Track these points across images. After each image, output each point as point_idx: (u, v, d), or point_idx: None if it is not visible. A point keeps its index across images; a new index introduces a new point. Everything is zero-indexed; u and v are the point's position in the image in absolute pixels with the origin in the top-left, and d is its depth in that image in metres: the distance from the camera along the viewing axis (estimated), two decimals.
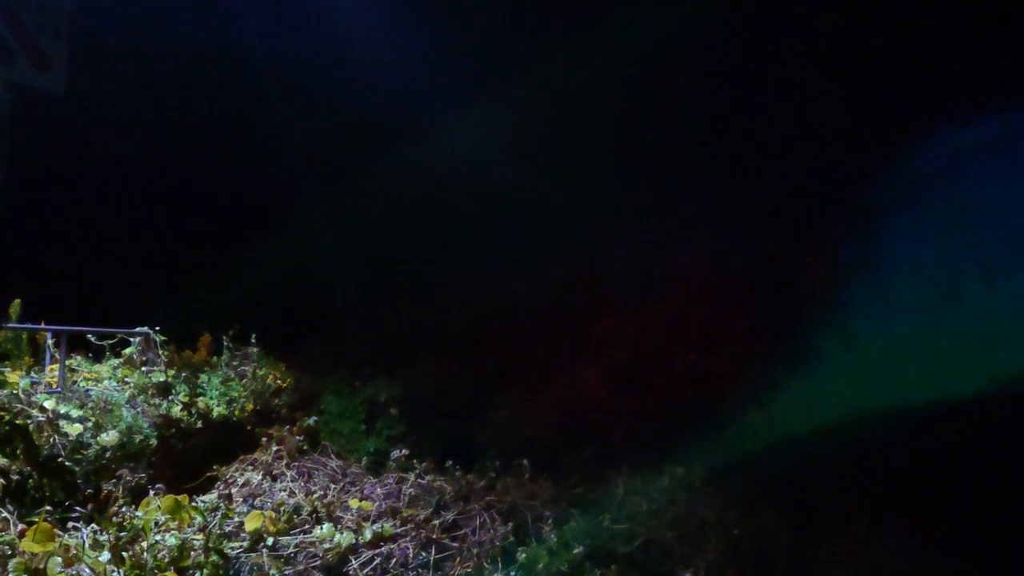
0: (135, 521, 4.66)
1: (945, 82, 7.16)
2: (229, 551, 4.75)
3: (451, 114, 9.12)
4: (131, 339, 6.99)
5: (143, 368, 6.86)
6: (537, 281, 8.57)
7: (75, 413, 5.70)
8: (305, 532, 5.12)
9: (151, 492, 5.07)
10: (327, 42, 9.20)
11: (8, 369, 6.09)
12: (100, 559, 4.27)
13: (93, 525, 4.72)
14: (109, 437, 5.65)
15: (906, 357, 6.49)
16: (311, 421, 7.01)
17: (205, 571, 4.56)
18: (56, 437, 5.41)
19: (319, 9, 9.13)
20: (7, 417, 5.23)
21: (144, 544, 4.49)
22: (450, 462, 6.20)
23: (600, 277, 8.61)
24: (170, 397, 6.54)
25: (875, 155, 7.44)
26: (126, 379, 6.61)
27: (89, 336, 6.85)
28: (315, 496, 5.56)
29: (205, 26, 8.81)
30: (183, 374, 6.88)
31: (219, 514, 5.03)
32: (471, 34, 8.92)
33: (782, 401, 6.68)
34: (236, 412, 6.81)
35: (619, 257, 8.58)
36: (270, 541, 4.91)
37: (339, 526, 5.16)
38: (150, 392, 6.50)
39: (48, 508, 4.84)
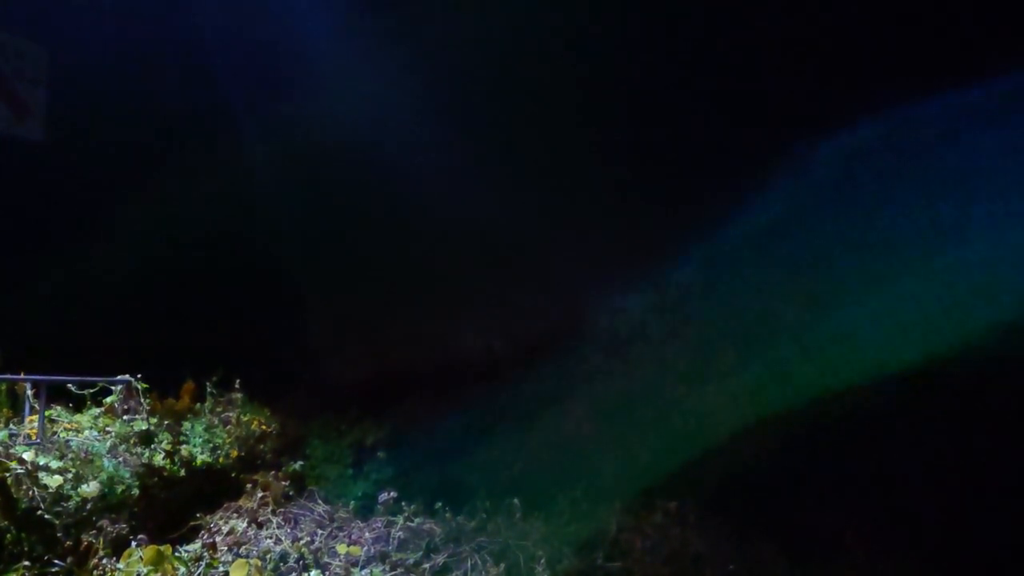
0: (116, 574, 4.54)
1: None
2: None
3: (435, 155, 9.19)
4: (112, 388, 6.87)
5: (125, 417, 6.72)
6: (523, 319, 8.56)
7: (55, 464, 5.56)
8: None
9: (133, 543, 4.96)
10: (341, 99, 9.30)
11: None
12: None
13: None
14: (90, 488, 5.52)
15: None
16: (297, 466, 6.90)
17: None
18: (35, 490, 5.27)
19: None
20: None
21: None
22: (439, 504, 6.11)
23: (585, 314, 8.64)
24: (152, 445, 6.41)
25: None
26: (107, 428, 6.48)
27: (69, 386, 6.73)
28: (302, 542, 5.44)
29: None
30: (166, 422, 6.76)
31: (203, 564, 4.92)
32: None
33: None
34: (220, 459, 6.68)
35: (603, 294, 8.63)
36: None
37: (327, 573, 5.06)
38: (132, 441, 6.37)
39: (26, 563, 4.72)
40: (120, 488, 5.74)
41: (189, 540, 5.72)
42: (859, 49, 7.74)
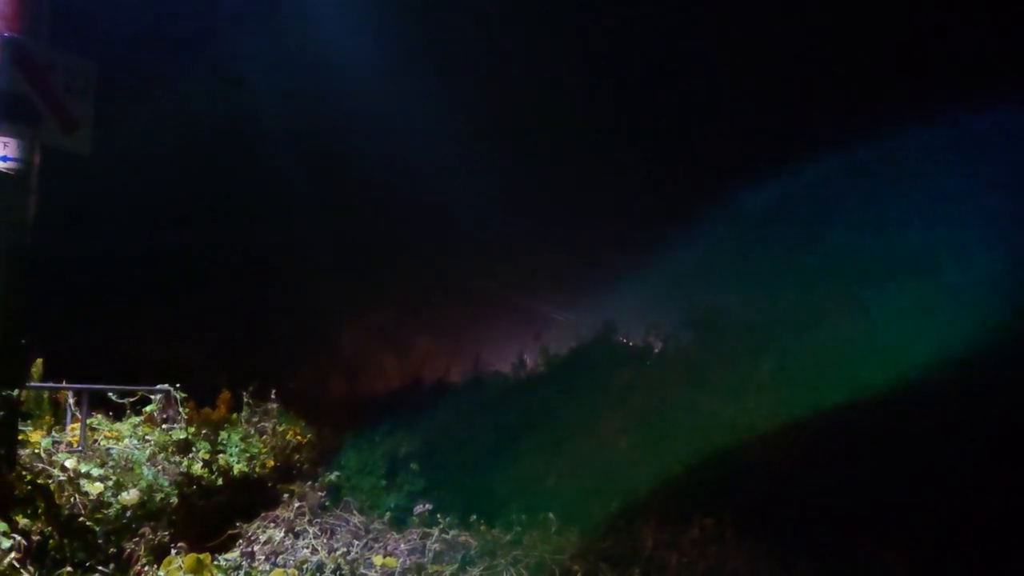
0: None
1: None
2: None
3: (471, 177, 9.27)
4: (151, 396, 6.95)
5: (163, 426, 6.81)
6: (557, 331, 8.56)
7: (96, 472, 5.63)
8: None
9: (173, 551, 4.98)
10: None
11: (30, 428, 6.05)
12: None
13: None
14: (130, 496, 5.57)
15: None
16: (332, 476, 6.91)
17: None
18: (77, 496, 5.33)
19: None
20: (28, 477, 5.17)
21: None
22: (474, 516, 6.08)
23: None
24: (190, 455, 6.48)
25: None
26: (147, 437, 6.55)
27: (110, 394, 6.82)
28: (338, 553, 5.45)
29: None
30: (203, 431, 6.83)
31: (242, 572, 4.96)
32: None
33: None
34: (257, 469, 6.74)
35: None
36: None
37: None
38: (171, 450, 6.44)
39: (69, 569, 4.76)
40: (159, 496, 5.80)
41: (227, 549, 5.75)
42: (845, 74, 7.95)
